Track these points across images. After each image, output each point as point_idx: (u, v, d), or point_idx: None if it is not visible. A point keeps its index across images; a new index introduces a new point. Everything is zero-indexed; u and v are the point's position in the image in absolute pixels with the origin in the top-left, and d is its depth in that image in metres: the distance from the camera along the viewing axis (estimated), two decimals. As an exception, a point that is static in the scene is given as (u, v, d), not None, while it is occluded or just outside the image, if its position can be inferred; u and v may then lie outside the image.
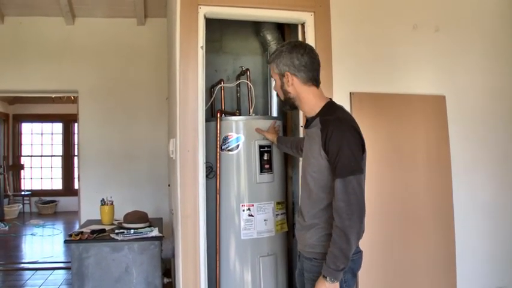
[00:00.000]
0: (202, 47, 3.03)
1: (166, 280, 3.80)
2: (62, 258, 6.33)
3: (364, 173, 2.10)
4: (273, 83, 2.35)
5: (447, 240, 3.57)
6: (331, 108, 2.20)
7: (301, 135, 3.39)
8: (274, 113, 3.93)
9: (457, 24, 3.73)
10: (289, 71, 2.18)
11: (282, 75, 2.21)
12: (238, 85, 4.00)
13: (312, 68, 2.19)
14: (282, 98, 2.28)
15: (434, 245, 3.53)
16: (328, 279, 2.02)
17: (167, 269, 4.43)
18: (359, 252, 2.20)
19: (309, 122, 2.25)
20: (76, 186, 6.38)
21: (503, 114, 3.82)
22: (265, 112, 4.07)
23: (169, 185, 4.77)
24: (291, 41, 2.36)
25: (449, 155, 3.60)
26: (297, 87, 2.20)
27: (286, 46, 2.21)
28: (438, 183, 3.57)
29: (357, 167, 2.02)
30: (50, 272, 5.68)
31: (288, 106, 2.31)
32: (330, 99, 2.27)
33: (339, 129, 2.05)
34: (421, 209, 3.52)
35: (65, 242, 3.55)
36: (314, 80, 2.22)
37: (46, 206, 10.60)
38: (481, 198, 3.75)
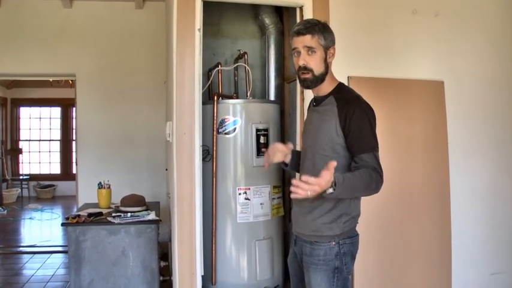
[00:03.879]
0: (199, 30, 3.01)
1: (163, 263, 3.80)
2: (60, 242, 6.31)
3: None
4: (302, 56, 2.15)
5: (443, 226, 3.57)
6: (344, 89, 2.23)
7: (298, 117, 3.37)
8: (272, 97, 3.91)
9: (457, 10, 3.71)
10: (334, 46, 2.18)
11: (327, 48, 2.16)
12: (236, 69, 3.98)
13: None
14: (321, 70, 2.15)
15: (431, 230, 3.54)
16: (332, 188, 1.88)
17: (164, 253, 4.43)
18: (356, 235, 2.20)
19: (318, 100, 2.25)
20: (74, 171, 6.36)
21: (501, 101, 3.80)
22: (263, 96, 4.06)
23: (166, 169, 4.76)
24: (319, 20, 2.26)
25: (447, 141, 3.59)
26: (331, 64, 2.20)
27: (324, 22, 2.20)
28: (435, 168, 3.56)
29: (376, 145, 2.07)
30: (48, 255, 5.67)
31: (319, 81, 2.16)
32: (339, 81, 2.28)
33: (360, 107, 2.09)
34: (418, 195, 3.52)
35: (62, 225, 3.55)
36: None
37: (44, 190, 10.58)
38: (478, 184, 3.74)
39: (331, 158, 2.08)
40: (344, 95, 2.16)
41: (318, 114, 2.24)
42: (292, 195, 1.87)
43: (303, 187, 1.84)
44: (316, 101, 2.27)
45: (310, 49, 2.13)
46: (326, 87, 2.20)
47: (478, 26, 3.76)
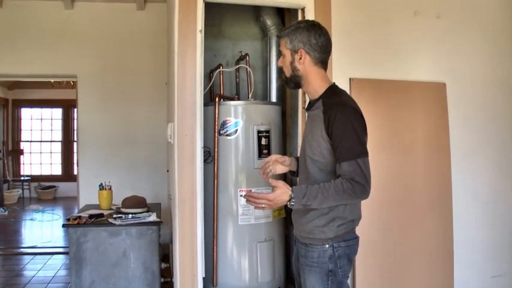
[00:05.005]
0: (201, 31, 3.01)
1: (164, 265, 3.79)
2: (61, 243, 6.32)
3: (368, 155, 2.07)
4: (279, 59, 2.25)
5: (445, 227, 3.56)
6: (334, 92, 2.17)
7: (299, 119, 3.37)
8: (274, 99, 3.91)
9: (458, 11, 3.71)
10: (304, 48, 2.13)
11: (294, 51, 2.14)
12: (238, 70, 3.98)
13: (325, 50, 2.17)
14: (288, 74, 2.20)
15: (432, 232, 3.53)
16: (292, 200, 1.96)
17: (165, 255, 4.42)
18: (355, 238, 2.18)
19: (311, 104, 2.23)
20: (75, 172, 6.36)
21: (503, 103, 3.80)
22: (265, 97, 4.05)
23: (168, 171, 4.76)
24: (308, 20, 2.30)
25: (449, 143, 3.59)
26: (307, 67, 2.15)
27: (304, 24, 2.16)
28: (437, 170, 3.56)
29: (362, 150, 2.01)
30: (49, 256, 5.68)
31: (293, 84, 2.23)
32: (334, 83, 2.24)
33: (343, 112, 2.02)
34: (420, 196, 3.51)
35: (63, 226, 3.54)
36: (324, 62, 2.19)
37: (45, 191, 10.60)
38: (480, 186, 3.74)
39: (320, 163, 2.11)
40: (330, 99, 2.11)
41: (309, 118, 2.24)
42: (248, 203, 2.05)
43: (253, 201, 2.01)
44: (309, 104, 2.25)
45: (281, 52, 2.21)
46: (315, 90, 2.18)
47: (480, 27, 3.76)
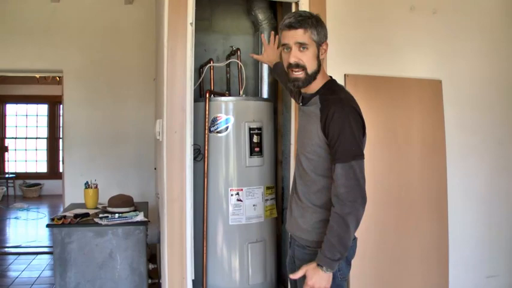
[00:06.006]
0: (191, 24, 2.89)
1: (151, 266, 3.70)
2: (46, 243, 6.18)
3: (364, 157, 1.97)
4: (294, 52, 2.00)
5: (441, 227, 3.52)
6: (332, 87, 2.05)
7: (292, 116, 3.28)
8: (265, 95, 3.81)
9: (455, 8, 3.66)
10: (326, 41, 2.04)
11: (320, 44, 2.00)
12: (228, 65, 3.87)
13: None
14: (313, 69, 2.00)
15: (428, 232, 3.48)
16: (324, 268, 1.90)
17: (153, 255, 4.32)
18: (354, 239, 2.10)
19: (306, 98, 2.11)
20: (61, 170, 6.24)
21: (499, 101, 3.77)
22: (255, 94, 3.95)
23: (155, 168, 4.66)
24: (312, 12, 2.11)
25: (444, 141, 3.55)
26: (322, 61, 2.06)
27: (316, 15, 2.04)
28: (433, 169, 3.51)
29: (358, 152, 1.90)
30: (34, 256, 5.54)
31: (307, 82, 2.01)
32: (331, 77, 2.13)
33: (341, 111, 1.91)
34: (415, 196, 3.45)
35: (47, 226, 3.43)
36: None
37: (30, 189, 10.46)
38: (475, 185, 3.71)
39: (315, 162, 2.01)
40: (328, 96, 1.99)
41: (304, 114, 2.13)
42: None
43: None
44: (304, 100, 2.13)
45: (302, 45, 1.97)
46: (314, 85, 2.06)
47: (476, 23, 3.71)
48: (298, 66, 1.99)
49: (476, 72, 3.69)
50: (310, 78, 2.01)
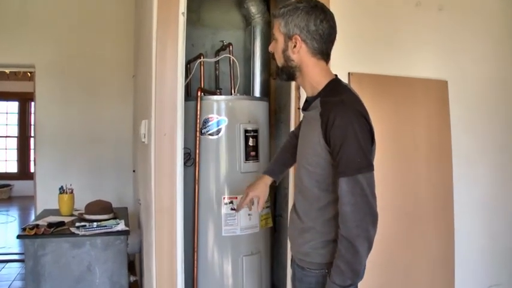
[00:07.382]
0: (183, 13, 2.60)
1: (132, 278, 3.42)
2: (17, 250, 5.82)
3: (373, 169, 1.69)
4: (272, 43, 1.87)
5: (446, 236, 3.39)
6: (335, 88, 1.78)
7: (292, 119, 3.02)
8: (257, 94, 3.55)
9: (461, 4, 3.52)
10: (301, 35, 1.74)
11: (288, 37, 1.76)
12: (217, 62, 3.60)
13: (328, 39, 1.77)
14: (280, 64, 1.83)
15: (434, 241, 3.35)
16: None
17: (130, 262, 4.01)
18: None
19: (308, 102, 1.85)
20: (32, 170, 5.89)
21: (506, 103, 3.64)
22: (247, 92, 3.69)
23: (134, 171, 4.36)
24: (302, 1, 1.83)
25: (451, 145, 3.40)
26: (303, 57, 1.77)
27: (305, 4, 1.75)
28: (439, 175, 3.38)
29: (365, 163, 1.62)
30: (3, 265, 5.22)
31: (285, 76, 1.85)
32: (336, 76, 1.85)
33: (343, 115, 1.63)
34: (421, 204, 3.30)
35: (18, 237, 3.14)
36: (325, 54, 1.80)
37: (0, 190, 10.09)
38: (481, 192, 3.59)
39: (318, 176, 1.74)
40: (329, 98, 1.72)
41: (305, 120, 1.89)
42: None
43: None
44: (306, 104, 1.87)
45: (273, 35, 1.82)
46: (313, 86, 1.80)
47: (484, 23, 3.59)
48: (272, 56, 1.90)
49: (482, 72, 3.57)
50: (282, 72, 1.85)
